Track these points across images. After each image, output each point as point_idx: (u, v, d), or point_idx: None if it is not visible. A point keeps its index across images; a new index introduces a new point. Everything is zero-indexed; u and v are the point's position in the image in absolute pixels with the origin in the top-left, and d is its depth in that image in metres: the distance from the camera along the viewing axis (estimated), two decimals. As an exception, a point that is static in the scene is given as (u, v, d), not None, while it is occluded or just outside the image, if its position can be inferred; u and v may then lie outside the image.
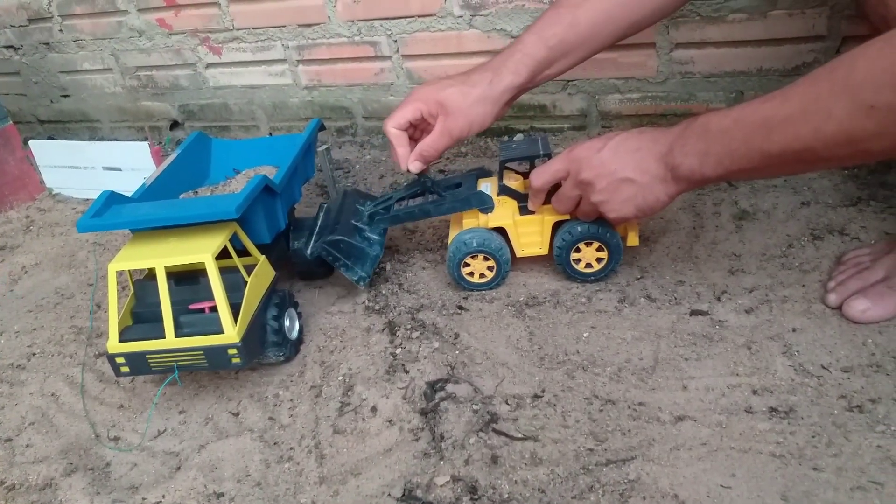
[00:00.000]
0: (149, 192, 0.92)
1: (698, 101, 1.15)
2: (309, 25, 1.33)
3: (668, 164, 0.73)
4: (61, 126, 1.74)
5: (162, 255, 0.78)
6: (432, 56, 1.28)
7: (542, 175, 0.84)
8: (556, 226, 0.89)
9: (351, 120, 1.43)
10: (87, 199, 1.39)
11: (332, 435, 0.77)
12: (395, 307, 0.94)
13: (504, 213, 0.90)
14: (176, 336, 0.77)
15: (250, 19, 1.37)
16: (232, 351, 0.77)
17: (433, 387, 0.80)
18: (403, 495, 0.68)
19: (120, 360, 0.79)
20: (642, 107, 1.20)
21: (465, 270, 0.92)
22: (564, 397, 0.76)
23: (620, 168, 0.76)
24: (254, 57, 1.41)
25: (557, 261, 0.90)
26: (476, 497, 0.67)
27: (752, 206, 1.00)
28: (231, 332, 0.76)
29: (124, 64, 1.54)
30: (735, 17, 1.06)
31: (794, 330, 0.78)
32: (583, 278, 0.90)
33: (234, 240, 0.83)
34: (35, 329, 1.05)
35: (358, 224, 0.96)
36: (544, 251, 0.91)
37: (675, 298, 0.86)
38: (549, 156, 0.87)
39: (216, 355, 0.77)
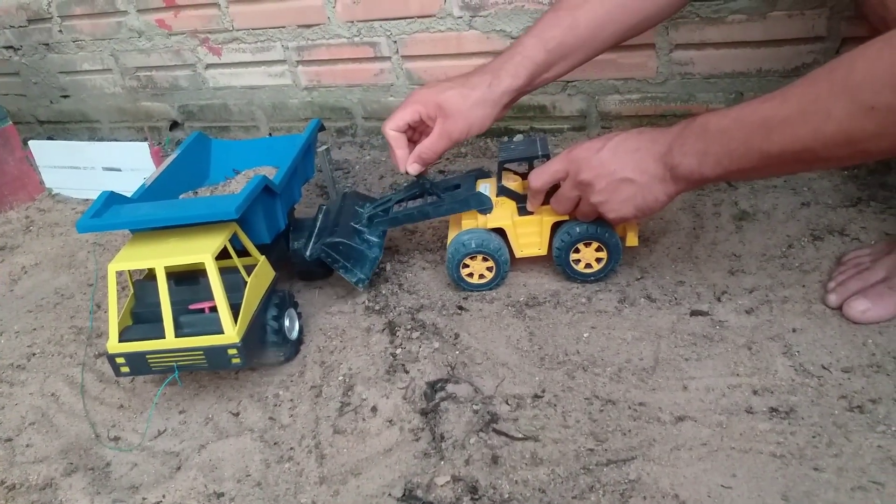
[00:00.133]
0: (148, 193, 0.92)
1: (698, 101, 1.16)
2: (308, 26, 1.33)
3: (667, 164, 0.73)
4: (61, 126, 1.74)
5: (162, 256, 0.78)
6: (432, 57, 1.28)
7: (541, 176, 0.84)
8: (555, 226, 0.89)
9: (351, 120, 1.43)
10: (87, 200, 1.39)
11: (332, 435, 0.77)
12: (395, 307, 0.94)
13: (503, 213, 0.90)
14: (176, 336, 0.77)
15: (250, 20, 1.37)
16: (232, 351, 0.77)
17: (433, 387, 0.80)
18: (404, 495, 0.68)
19: (120, 360, 0.79)
20: (642, 107, 1.20)
21: (464, 271, 0.92)
22: (565, 397, 0.76)
23: (619, 168, 0.76)
24: (253, 58, 1.42)
25: (557, 261, 0.90)
26: (476, 497, 0.67)
27: (752, 207, 1.00)
28: (231, 333, 0.76)
29: (124, 64, 1.54)
30: (734, 18, 1.06)
31: (794, 330, 0.78)
32: (582, 279, 0.90)
33: (234, 240, 0.83)
34: (35, 329, 1.04)
35: (357, 226, 0.96)
36: (543, 252, 0.91)
37: (676, 299, 0.86)
38: (547, 156, 0.87)
39: (216, 355, 0.77)
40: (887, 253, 0.82)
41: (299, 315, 0.91)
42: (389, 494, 0.69)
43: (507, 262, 0.91)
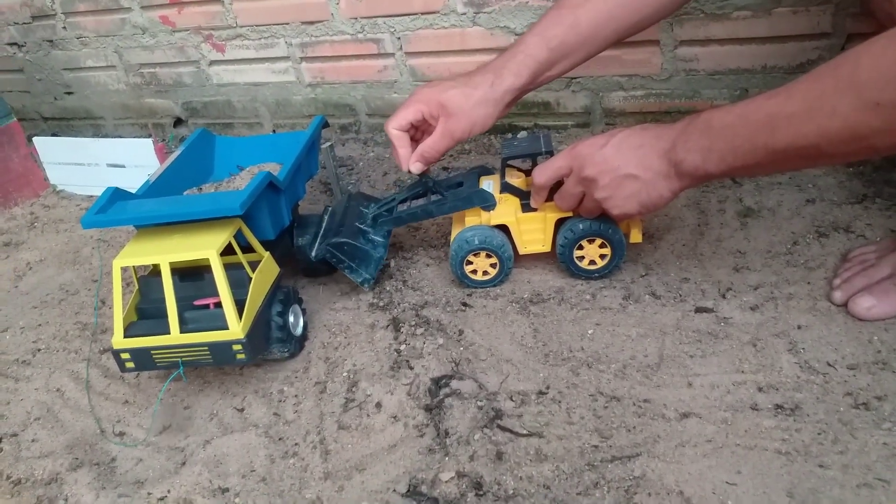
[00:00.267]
0: (153, 189, 0.92)
1: (702, 98, 1.15)
2: (312, 23, 1.33)
3: (671, 160, 0.73)
4: (65, 123, 1.74)
5: (167, 252, 0.78)
6: (435, 53, 1.28)
7: (545, 172, 0.84)
8: (559, 223, 0.89)
9: (354, 117, 1.43)
10: (91, 196, 1.39)
11: (336, 430, 0.77)
12: (399, 304, 0.94)
13: (506, 210, 0.90)
14: (181, 332, 0.77)
15: (253, 17, 1.37)
16: (237, 347, 0.77)
17: (438, 383, 0.80)
18: (408, 491, 0.69)
19: (125, 355, 0.79)
20: (646, 104, 1.20)
21: (467, 268, 0.92)
22: (569, 394, 0.76)
23: (623, 164, 0.76)
24: (257, 54, 1.41)
25: (560, 258, 0.90)
26: (481, 493, 0.67)
27: (757, 204, 1.00)
28: (236, 328, 0.76)
29: (128, 61, 1.55)
30: (739, 15, 1.06)
31: (799, 327, 0.78)
32: (586, 275, 0.90)
33: (239, 236, 0.83)
34: (40, 325, 1.05)
35: (362, 226, 0.96)
36: (547, 248, 0.91)
37: (680, 295, 0.86)
38: (551, 153, 0.87)
39: (221, 351, 0.77)
40: (893, 250, 0.82)
41: (304, 311, 0.91)
42: (394, 490, 0.69)
43: (510, 259, 0.91)
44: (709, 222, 0.98)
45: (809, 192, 1.00)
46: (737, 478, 0.64)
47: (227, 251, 0.80)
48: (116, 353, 0.79)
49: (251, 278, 0.81)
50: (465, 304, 0.91)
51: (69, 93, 1.68)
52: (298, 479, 0.72)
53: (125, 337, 0.79)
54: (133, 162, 1.33)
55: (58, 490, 0.76)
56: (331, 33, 1.33)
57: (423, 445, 0.73)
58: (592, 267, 0.90)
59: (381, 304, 0.94)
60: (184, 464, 0.77)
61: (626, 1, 0.84)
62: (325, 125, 1.07)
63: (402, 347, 0.86)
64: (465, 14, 1.21)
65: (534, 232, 0.90)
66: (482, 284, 0.93)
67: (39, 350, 0.99)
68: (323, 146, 1.10)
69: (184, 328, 0.77)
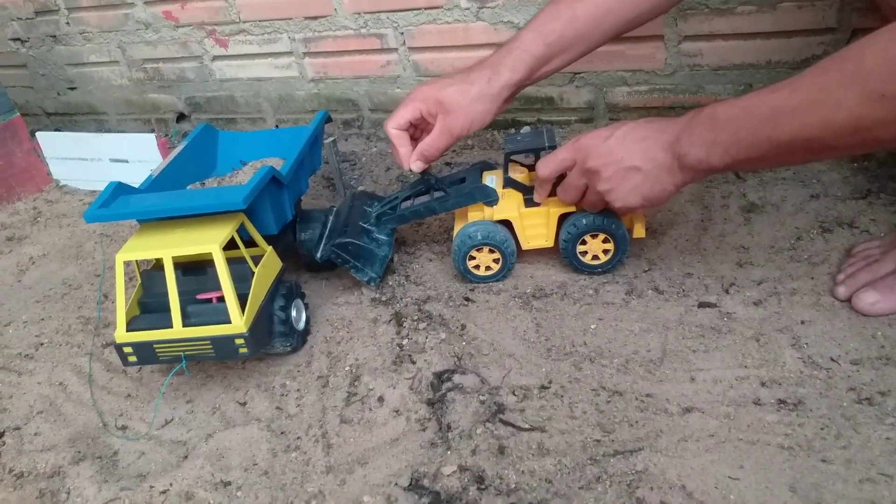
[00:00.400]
0: (156, 184, 0.92)
1: (706, 93, 1.15)
2: (315, 18, 1.33)
3: (675, 153, 0.73)
4: (68, 118, 1.75)
5: (169, 246, 0.78)
6: (439, 48, 1.28)
7: (549, 164, 0.84)
8: (562, 218, 0.89)
9: (357, 112, 1.43)
10: (94, 191, 1.39)
11: (339, 424, 0.77)
12: (401, 298, 0.94)
13: (509, 205, 0.90)
14: (183, 326, 0.77)
15: (256, 12, 1.37)
16: (239, 341, 0.77)
17: (440, 377, 0.80)
18: (410, 485, 0.69)
19: (128, 349, 0.79)
20: (650, 99, 1.19)
21: (470, 263, 0.92)
22: (572, 388, 0.75)
23: (627, 157, 0.76)
24: (260, 49, 1.41)
25: (563, 253, 0.89)
26: (483, 487, 0.67)
27: (761, 199, 0.99)
28: (238, 322, 0.76)
29: (131, 56, 1.55)
30: (744, 9, 1.06)
31: (802, 322, 0.78)
32: (589, 270, 0.90)
33: (242, 231, 0.83)
34: (43, 319, 1.05)
35: (366, 225, 0.96)
36: (550, 243, 0.91)
37: (683, 290, 0.86)
38: (554, 148, 0.86)
39: (223, 345, 0.77)
40: (897, 245, 0.82)
41: (306, 305, 0.91)
42: (396, 484, 0.69)
43: (513, 254, 0.91)
44: (712, 217, 0.98)
45: (813, 188, 1.00)
46: (739, 472, 0.64)
47: (230, 245, 0.80)
48: (119, 347, 0.79)
49: (254, 273, 0.81)
50: (467, 299, 0.91)
51: (72, 88, 1.68)
52: (300, 472, 0.73)
53: (128, 331, 0.79)
54: (136, 157, 1.33)
55: (60, 483, 0.77)
56: (334, 28, 1.33)
57: (425, 439, 0.73)
58: (595, 262, 0.89)
59: (384, 298, 0.94)
60: (186, 457, 0.77)
61: None
62: (328, 120, 1.07)
63: (405, 342, 0.86)
64: (468, 9, 1.21)
65: (537, 227, 0.90)
66: (485, 280, 0.93)
67: (42, 344, 1.00)
68: (326, 141, 1.10)
69: (186, 322, 0.78)
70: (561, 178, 0.85)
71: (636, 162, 0.76)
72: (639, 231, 0.88)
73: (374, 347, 0.87)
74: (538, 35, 0.86)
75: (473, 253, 0.91)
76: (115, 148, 1.35)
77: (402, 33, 1.28)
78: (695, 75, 1.14)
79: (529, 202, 0.90)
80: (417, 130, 0.92)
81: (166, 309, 0.77)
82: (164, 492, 0.73)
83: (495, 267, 0.92)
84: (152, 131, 1.58)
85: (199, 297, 0.80)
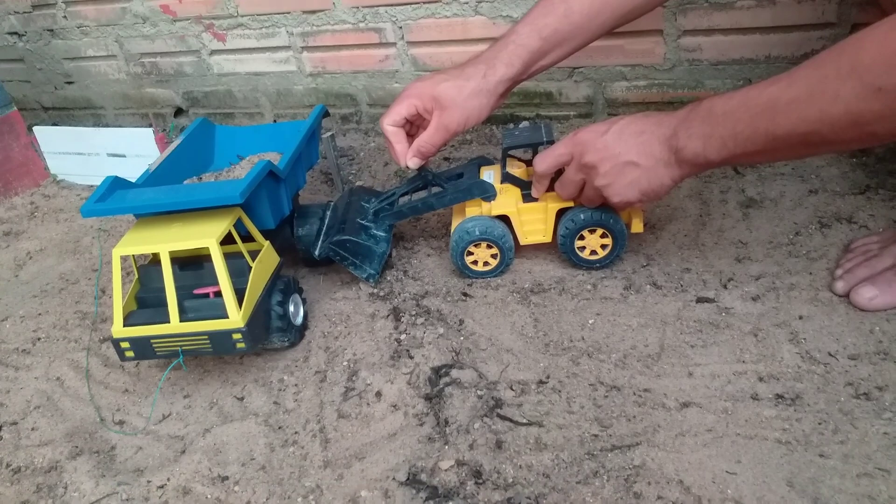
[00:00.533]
0: (153, 178, 0.91)
1: (706, 88, 1.15)
2: (313, 12, 1.32)
3: (672, 147, 0.73)
4: (66, 113, 1.74)
5: (166, 241, 0.78)
6: (437, 43, 1.27)
7: (546, 159, 0.84)
8: (560, 213, 0.88)
9: (355, 107, 1.42)
10: (92, 186, 1.39)
11: (336, 419, 0.77)
12: (399, 293, 0.93)
13: (507, 200, 0.90)
14: (181, 321, 0.77)
15: (254, 6, 1.36)
16: (236, 336, 0.77)
17: (438, 372, 0.80)
18: (408, 479, 0.68)
19: (125, 344, 0.78)
20: (649, 94, 1.19)
21: (468, 259, 0.91)
22: (569, 383, 0.75)
23: (624, 151, 0.76)
24: (258, 44, 1.41)
25: (562, 248, 0.89)
26: (480, 481, 0.67)
27: (759, 194, 0.99)
28: (236, 317, 0.76)
29: (128, 51, 1.54)
30: (743, 4, 1.05)
31: (800, 317, 0.78)
32: (587, 265, 0.90)
33: (239, 225, 0.83)
34: (40, 314, 1.05)
35: (363, 222, 0.96)
36: (548, 239, 0.91)
37: (682, 286, 0.86)
38: (552, 143, 0.86)
39: (221, 340, 0.77)
40: (895, 240, 0.81)
41: (304, 300, 0.91)
42: (393, 478, 0.69)
43: (511, 250, 0.91)
44: (711, 212, 0.98)
45: (812, 183, 0.99)
46: (737, 467, 0.64)
47: (227, 240, 0.80)
48: (116, 342, 0.79)
49: (251, 267, 0.81)
50: (465, 294, 0.91)
51: (70, 82, 1.67)
52: (298, 467, 0.72)
53: (125, 326, 0.78)
54: (133, 152, 1.33)
55: (57, 478, 0.76)
56: (332, 22, 1.32)
57: (422, 434, 0.73)
58: (594, 257, 0.89)
59: (382, 293, 0.94)
60: (183, 452, 0.77)
61: None
62: (326, 115, 1.06)
63: (403, 337, 0.86)
64: (467, 3, 1.21)
65: (535, 222, 0.90)
66: (483, 275, 0.93)
67: (39, 339, 0.99)
68: (324, 136, 1.10)
69: (183, 317, 0.77)
70: (559, 173, 0.85)
71: (633, 157, 0.75)
72: (637, 226, 0.88)
73: (372, 342, 0.86)
74: (533, 29, 0.85)
75: (471, 248, 0.90)
76: (112, 142, 1.35)
77: (401, 27, 1.28)
78: (694, 70, 1.14)
79: (527, 197, 0.90)
80: (413, 127, 0.92)
81: (163, 304, 0.77)
82: (161, 486, 0.73)
83: (493, 262, 0.92)
84: (150, 126, 1.58)
85: (197, 291, 0.80)
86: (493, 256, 0.91)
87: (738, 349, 0.76)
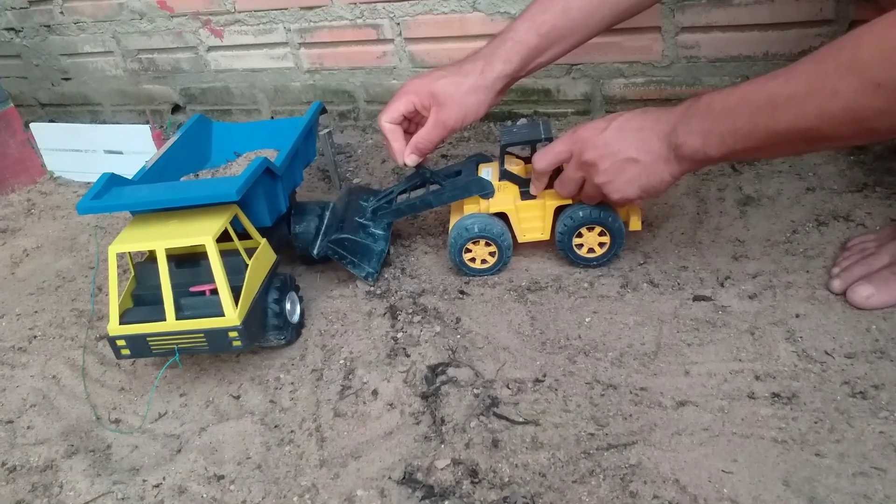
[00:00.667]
0: (149, 175, 0.91)
1: (704, 85, 1.14)
2: (311, 8, 1.32)
3: (672, 143, 0.73)
4: (62, 109, 1.73)
5: (162, 238, 0.78)
6: (435, 39, 1.27)
7: (545, 157, 0.83)
8: (558, 211, 0.88)
9: (353, 104, 1.42)
10: (89, 183, 1.38)
11: (332, 418, 0.77)
12: (396, 291, 0.93)
13: (505, 198, 0.90)
14: (177, 319, 0.77)
15: (252, 2, 1.36)
16: (233, 334, 0.77)
17: (434, 370, 0.80)
18: (404, 478, 0.68)
19: (121, 342, 0.78)
20: (647, 91, 1.19)
21: (466, 256, 0.91)
22: (566, 382, 0.75)
23: (624, 148, 0.76)
24: (255, 40, 1.40)
25: (559, 246, 0.89)
26: (476, 480, 0.67)
27: (757, 192, 0.99)
28: (232, 315, 0.76)
29: (125, 47, 1.54)
30: (742, 1, 1.05)
31: (797, 316, 0.78)
32: (585, 263, 0.90)
33: (235, 223, 0.83)
34: (36, 312, 1.04)
35: (362, 220, 0.96)
36: (546, 236, 0.90)
37: (678, 284, 0.86)
38: (550, 140, 0.86)
39: (217, 338, 0.77)
40: (892, 238, 0.81)
41: (300, 298, 0.91)
42: (389, 477, 0.69)
43: (509, 248, 0.91)
44: (708, 210, 0.98)
45: (809, 181, 0.99)
46: (733, 466, 0.64)
47: (224, 238, 0.79)
48: (112, 340, 0.78)
49: (247, 265, 0.81)
50: (462, 292, 0.91)
51: (66, 78, 1.66)
52: (294, 466, 0.72)
53: (121, 324, 0.78)
54: (130, 148, 1.32)
55: (53, 477, 0.76)
56: (330, 19, 1.32)
57: (418, 433, 0.73)
58: (591, 255, 0.89)
59: (379, 291, 0.94)
60: (179, 451, 0.77)
61: None
62: (323, 111, 1.06)
63: (399, 335, 0.86)
64: (464, -1, 1.20)
65: (533, 220, 0.90)
66: (480, 272, 0.93)
67: (35, 337, 0.99)
68: (321, 133, 1.10)
69: (180, 315, 0.77)
70: (557, 170, 0.85)
71: (633, 153, 0.75)
72: (635, 224, 0.88)
73: (369, 340, 0.86)
74: (531, 25, 0.85)
75: (469, 245, 0.90)
76: (109, 139, 1.34)
77: (398, 24, 1.27)
78: (692, 67, 1.14)
79: (525, 195, 0.90)
80: (411, 124, 0.91)
81: (159, 301, 0.77)
82: (157, 485, 0.73)
83: (491, 260, 0.92)
84: (147, 122, 1.57)
85: (193, 289, 0.80)
86: (491, 254, 0.91)
87: (734, 347, 0.76)
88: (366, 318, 0.90)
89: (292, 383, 0.83)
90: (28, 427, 0.84)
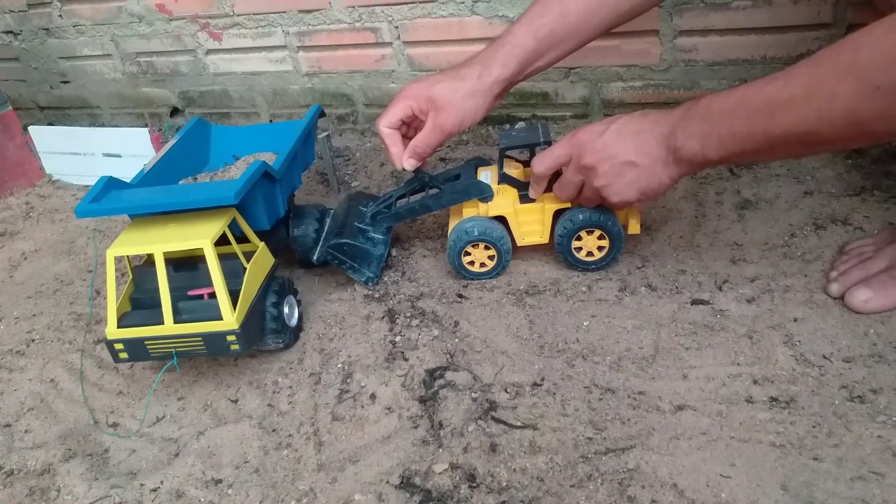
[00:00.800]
0: (148, 178, 0.91)
1: (702, 89, 1.15)
2: (309, 11, 1.32)
3: (670, 146, 0.73)
4: (61, 112, 1.73)
5: (160, 241, 0.78)
6: (434, 43, 1.27)
7: (545, 161, 0.83)
8: (557, 214, 0.88)
9: (352, 107, 1.42)
10: (87, 186, 1.38)
11: (330, 422, 0.77)
12: (394, 295, 0.93)
13: (504, 201, 0.90)
14: (175, 322, 0.77)
15: (250, 5, 1.36)
16: (231, 338, 0.77)
17: (432, 374, 0.80)
18: (401, 482, 0.68)
19: (119, 346, 0.78)
20: (645, 95, 1.19)
21: (465, 259, 0.91)
22: (564, 386, 0.75)
23: (623, 151, 0.76)
24: (254, 43, 1.40)
25: (558, 249, 0.89)
26: (474, 485, 0.67)
27: (755, 196, 0.99)
28: (230, 319, 0.76)
29: (124, 50, 1.54)
30: (739, 5, 1.05)
31: (795, 320, 0.78)
32: (584, 267, 0.90)
33: (234, 226, 0.83)
34: (34, 315, 1.04)
35: (361, 225, 0.96)
36: (545, 240, 0.90)
37: (677, 287, 0.86)
38: (549, 143, 0.86)
39: (215, 342, 0.77)
40: (890, 242, 0.81)
41: (299, 302, 0.91)
42: (387, 482, 0.69)
43: (509, 252, 0.91)
44: (706, 214, 0.98)
45: (807, 184, 0.99)
46: (731, 470, 0.64)
47: (222, 241, 0.79)
48: (110, 344, 0.78)
49: (246, 269, 0.81)
50: (460, 296, 0.91)
51: (65, 81, 1.66)
52: (292, 470, 0.72)
53: (119, 327, 0.78)
54: (129, 151, 1.32)
55: (50, 481, 0.76)
56: (328, 22, 1.32)
57: (416, 437, 0.73)
58: (590, 258, 0.89)
59: (377, 295, 0.94)
60: (177, 455, 0.77)
61: None
62: (322, 114, 1.06)
63: (398, 339, 0.86)
64: (463, 3, 1.20)
65: (532, 223, 0.90)
66: (479, 276, 0.93)
67: (33, 340, 0.99)
68: (320, 136, 1.10)
69: (178, 318, 0.77)
70: (556, 174, 0.85)
71: (631, 156, 0.75)
72: (634, 227, 0.88)
73: (367, 344, 0.86)
74: (529, 30, 0.85)
75: (469, 249, 0.90)
76: (108, 142, 1.34)
77: (397, 27, 1.27)
78: (690, 71, 1.14)
79: (524, 198, 0.90)
80: (409, 128, 0.91)
81: (158, 305, 0.77)
82: (154, 490, 0.73)
83: (490, 264, 0.92)
84: (146, 125, 1.57)
85: (191, 293, 0.80)
86: (490, 258, 0.91)
87: (732, 351, 0.76)
88: (364, 321, 0.90)
89: (290, 387, 0.82)
90: (26, 431, 0.84)
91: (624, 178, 0.77)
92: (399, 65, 1.32)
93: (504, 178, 0.91)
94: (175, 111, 1.59)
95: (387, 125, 0.88)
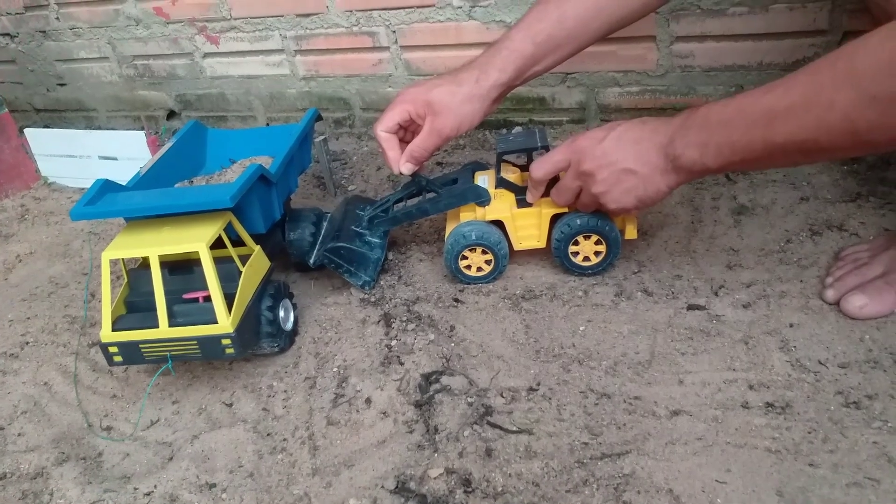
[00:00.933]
0: (143, 181, 0.91)
1: (698, 94, 1.15)
2: (307, 15, 1.32)
3: (669, 154, 0.73)
4: (57, 115, 1.73)
5: (156, 244, 0.78)
6: (431, 47, 1.27)
7: (543, 166, 0.83)
8: (554, 219, 0.88)
9: (349, 111, 1.42)
10: (83, 189, 1.38)
11: (325, 426, 0.76)
12: (390, 299, 0.93)
13: (502, 205, 0.90)
14: (169, 326, 0.76)
15: (248, 9, 1.36)
16: (226, 341, 0.76)
17: (428, 379, 0.79)
18: (397, 487, 0.68)
19: (113, 349, 0.78)
20: (642, 100, 1.19)
21: (462, 263, 0.91)
22: (560, 391, 0.75)
23: (622, 159, 0.76)
24: (251, 47, 1.40)
25: (555, 254, 0.89)
26: (470, 490, 0.66)
27: (751, 201, 0.99)
28: (225, 322, 0.76)
29: (121, 53, 1.53)
30: (736, 11, 1.05)
31: (791, 325, 0.78)
32: (580, 272, 0.90)
33: (229, 229, 0.83)
34: (29, 318, 1.04)
35: (358, 229, 0.96)
36: (542, 244, 0.90)
37: (673, 293, 0.86)
38: (546, 148, 0.86)
39: (210, 345, 0.77)
40: (885, 248, 0.81)
41: (294, 306, 0.90)
42: (382, 486, 0.68)
43: (506, 257, 0.91)
44: (702, 219, 0.98)
45: (803, 190, 1.00)
46: (726, 476, 0.63)
47: (218, 244, 0.79)
48: (104, 347, 0.78)
49: (241, 272, 0.80)
50: (456, 300, 0.91)
51: (62, 84, 1.66)
52: (286, 474, 0.72)
53: (113, 330, 0.78)
54: (125, 154, 1.32)
55: (43, 484, 0.76)
56: (326, 26, 1.32)
57: (412, 441, 0.73)
58: (587, 263, 0.89)
59: (373, 299, 0.94)
60: (171, 459, 0.76)
61: None
62: (319, 118, 1.06)
63: (393, 343, 0.86)
64: (460, 7, 1.21)
65: (529, 228, 0.90)
66: (475, 280, 0.93)
67: (28, 343, 0.99)
68: (316, 140, 1.10)
69: (173, 322, 0.77)
70: (554, 179, 0.85)
71: (630, 164, 0.75)
72: (631, 233, 0.88)
73: (363, 348, 0.86)
74: (527, 35, 0.85)
75: (466, 253, 0.90)
76: (104, 145, 1.34)
77: (394, 31, 1.28)
78: (686, 76, 1.14)
79: (522, 202, 0.90)
80: (407, 133, 0.91)
81: (152, 308, 0.76)
82: (148, 494, 0.73)
83: (487, 268, 0.92)
84: (142, 129, 1.57)
85: (186, 296, 0.80)
86: (487, 262, 0.91)
87: (728, 357, 0.76)
88: (360, 325, 0.90)
89: (285, 391, 0.82)
90: (19, 434, 0.83)
91: (622, 185, 0.77)
92: (396, 69, 1.32)
93: (501, 183, 0.91)
94: (171, 114, 1.59)
95: (384, 129, 0.88)
